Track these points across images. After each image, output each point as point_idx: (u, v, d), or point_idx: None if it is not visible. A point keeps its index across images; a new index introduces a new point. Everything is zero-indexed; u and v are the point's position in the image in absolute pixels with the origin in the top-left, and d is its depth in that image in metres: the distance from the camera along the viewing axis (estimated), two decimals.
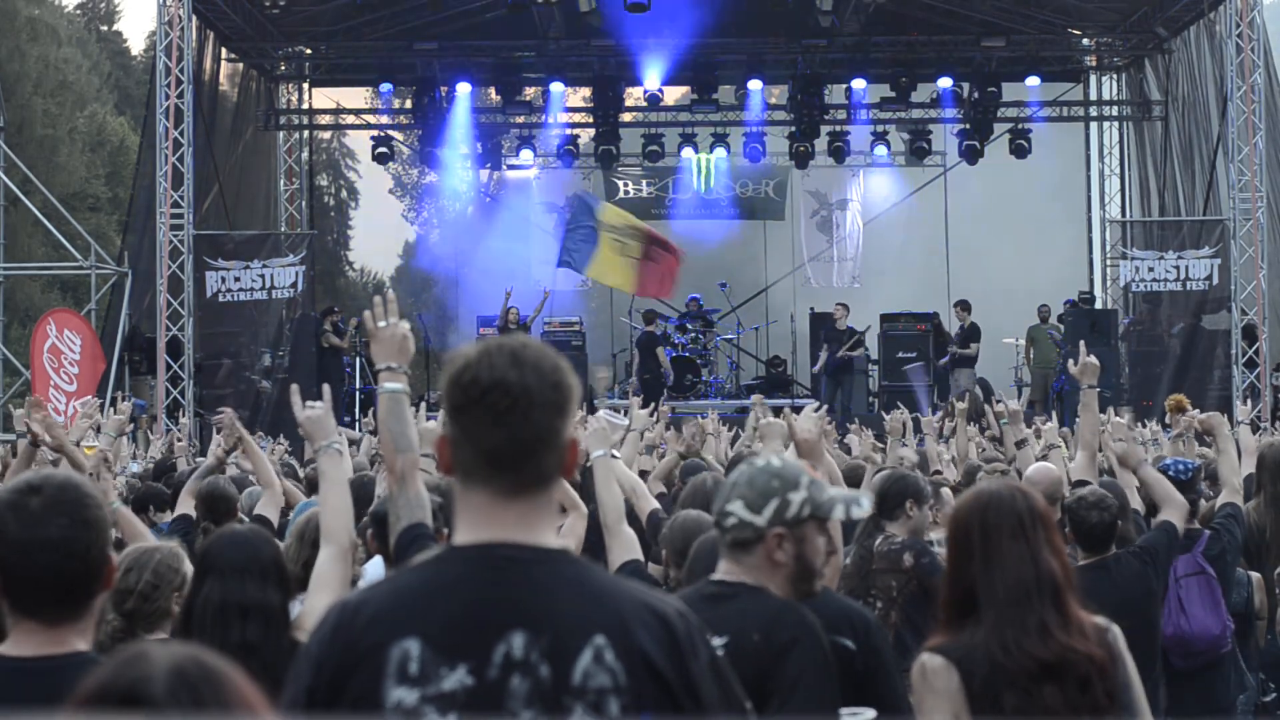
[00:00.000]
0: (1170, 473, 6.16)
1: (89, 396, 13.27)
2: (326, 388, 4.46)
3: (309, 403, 4.23)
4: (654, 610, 2.32)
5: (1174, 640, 6.08)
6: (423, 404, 15.05)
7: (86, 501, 2.73)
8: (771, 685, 3.12)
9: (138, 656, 1.70)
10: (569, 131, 24.38)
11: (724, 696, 2.35)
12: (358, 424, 19.50)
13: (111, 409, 9.64)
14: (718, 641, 2.94)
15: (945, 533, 3.44)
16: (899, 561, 5.69)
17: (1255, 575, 6.77)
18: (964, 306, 20.91)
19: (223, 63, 22.47)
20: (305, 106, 25.42)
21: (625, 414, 7.71)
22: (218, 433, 9.37)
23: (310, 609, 3.83)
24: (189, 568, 4.11)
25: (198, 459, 10.87)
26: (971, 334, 20.60)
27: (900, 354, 21.01)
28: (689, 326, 22.54)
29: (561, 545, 2.39)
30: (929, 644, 3.27)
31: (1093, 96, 25.34)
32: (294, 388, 4.63)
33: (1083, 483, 6.07)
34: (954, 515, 3.37)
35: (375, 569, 4.53)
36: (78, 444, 6.59)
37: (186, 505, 6.35)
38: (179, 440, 13.19)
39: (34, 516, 2.67)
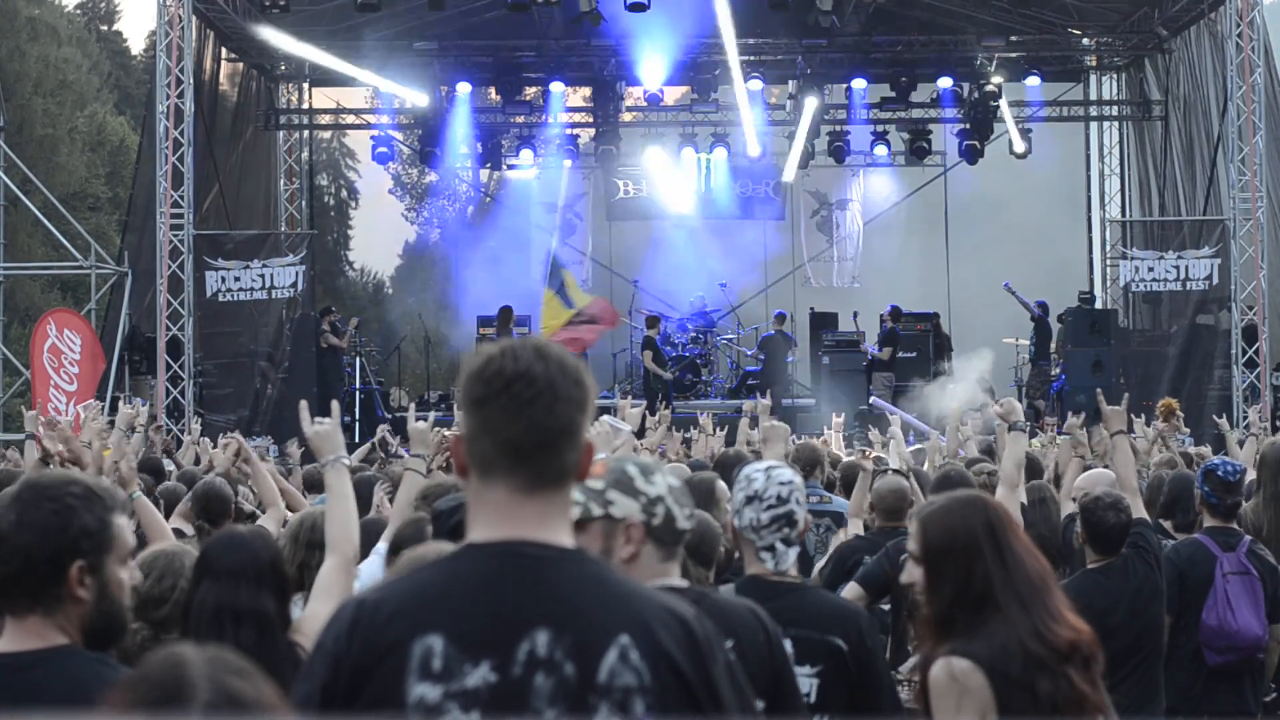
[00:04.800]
0: (1219, 473, 6.17)
1: (91, 400, 13.30)
2: (336, 404, 4.48)
3: (318, 419, 4.26)
4: (673, 612, 2.33)
5: (1216, 632, 6.04)
6: (413, 406, 15.04)
7: (39, 504, 2.77)
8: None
9: (176, 684, 1.73)
10: (569, 131, 24.37)
11: (740, 700, 2.37)
12: (357, 425, 19.56)
13: (114, 402, 9.67)
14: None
15: (923, 542, 3.41)
16: None
17: None
18: (891, 314, 20.94)
19: (223, 63, 22.46)
20: (305, 106, 25.42)
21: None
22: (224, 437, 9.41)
23: (311, 615, 3.84)
24: None
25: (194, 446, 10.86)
26: (888, 339, 20.60)
27: (900, 354, 21.03)
28: (690, 326, 22.57)
29: (577, 545, 2.40)
30: (946, 647, 3.31)
31: (1093, 96, 25.34)
32: (303, 404, 4.64)
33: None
34: (945, 522, 3.39)
35: (369, 571, 4.54)
36: (89, 446, 6.60)
37: (178, 522, 6.30)
38: (172, 438, 13.18)
39: None
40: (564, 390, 2.32)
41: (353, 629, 2.30)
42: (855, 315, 21.86)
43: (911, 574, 3.44)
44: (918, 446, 10.79)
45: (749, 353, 22.45)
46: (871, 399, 18.46)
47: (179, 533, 6.13)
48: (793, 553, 3.92)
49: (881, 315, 21.45)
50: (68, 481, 2.82)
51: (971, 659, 3.26)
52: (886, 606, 6.32)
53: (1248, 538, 6.27)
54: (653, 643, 2.27)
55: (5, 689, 2.71)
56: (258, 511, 6.93)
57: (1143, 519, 5.95)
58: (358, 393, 20.61)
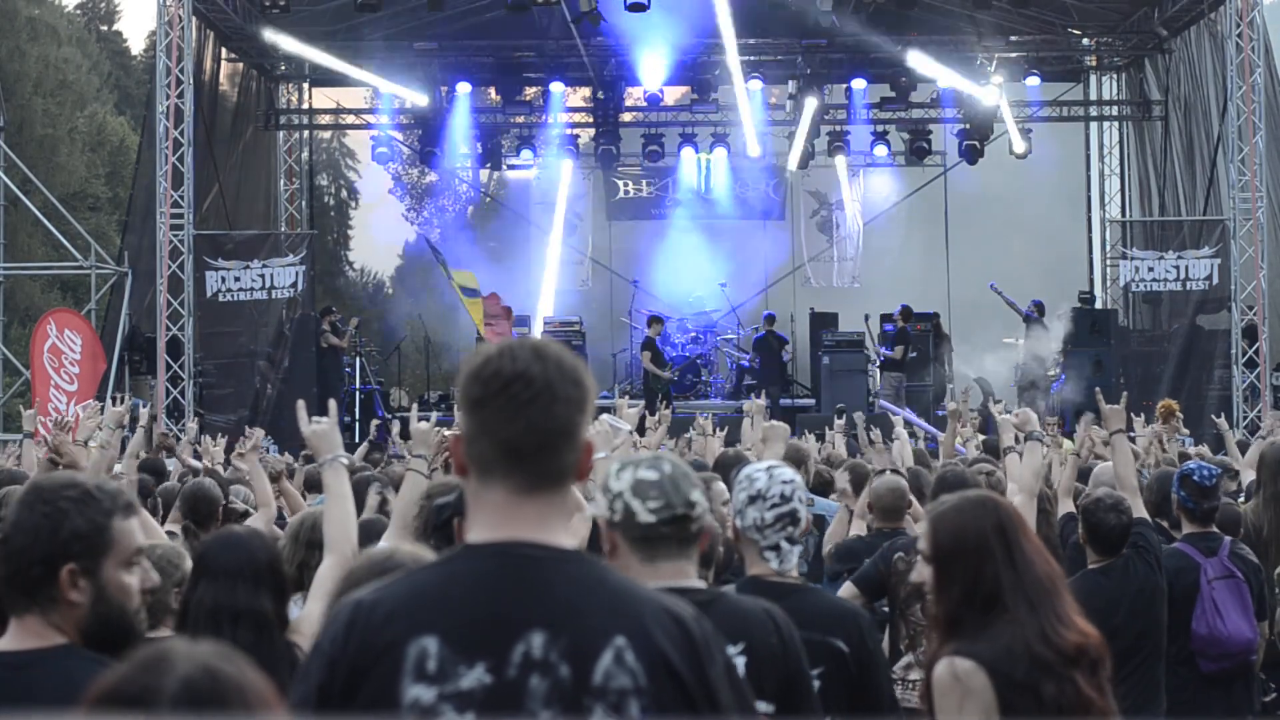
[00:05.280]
0: (1195, 478, 6.13)
1: (90, 400, 13.31)
2: (333, 403, 4.46)
3: (315, 418, 4.25)
4: (672, 614, 2.32)
5: (1208, 640, 6.01)
6: (415, 406, 15.05)
7: (34, 506, 2.78)
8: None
9: (157, 660, 1.74)
10: (569, 131, 24.36)
11: (739, 702, 2.36)
12: (357, 424, 19.52)
13: (113, 402, 9.67)
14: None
15: (934, 541, 3.41)
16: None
17: None
18: (903, 314, 20.91)
19: (223, 63, 22.45)
20: (305, 106, 25.42)
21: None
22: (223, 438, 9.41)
23: (309, 614, 3.84)
24: (189, 565, 4.13)
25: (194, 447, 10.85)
26: (899, 338, 20.57)
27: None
28: (690, 326, 22.55)
29: (576, 546, 2.39)
30: (950, 648, 3.31)
31: (1093, 96, 25.33)
32: (300, 403, 4.62)
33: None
34: (956, 522, 3.39)
35: None
36: (85, 444, 6.61)
37: (172, 524, 6.29)
38: (174, 440, 13.16)
39: None
40: (562, 390, 2.31)
41: (349, 630, 2.29)
42: (867, 318, 21.73)
43: (921, 573, 3.43)
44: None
45: (746, 357, 22.42)
46: (879, 400, 18.48)
47: (171, 534, 6.13)
48: (796, 552, 3.91)
49: (890, 315, 21.35)
50: (67, 484, 2.81)
51: (975, 659, 3.26)
52: (888, 608, 6.30)
53: (1228, 539, 6.22)
54: (649, 644, 2.26)
55: (3, 687, 2.71)
56: (250, 510, 6.92)
57: (1143, 519, 5.94)
58: (358, 393, 20.58)
